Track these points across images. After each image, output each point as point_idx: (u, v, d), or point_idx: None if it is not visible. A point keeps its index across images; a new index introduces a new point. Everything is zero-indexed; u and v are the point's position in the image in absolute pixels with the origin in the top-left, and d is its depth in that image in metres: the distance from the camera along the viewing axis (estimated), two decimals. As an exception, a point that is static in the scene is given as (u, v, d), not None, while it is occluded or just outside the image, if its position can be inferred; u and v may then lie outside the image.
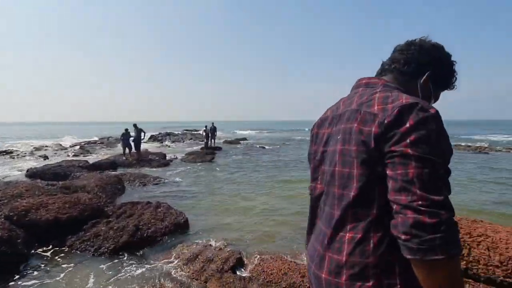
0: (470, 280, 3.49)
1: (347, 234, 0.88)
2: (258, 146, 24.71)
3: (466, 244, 3.70)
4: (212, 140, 20.95)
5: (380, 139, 0.82)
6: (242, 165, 14.06)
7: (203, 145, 20.61)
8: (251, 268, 3.96)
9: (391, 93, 0.90)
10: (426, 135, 0.76)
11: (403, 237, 0.74)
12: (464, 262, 3.65)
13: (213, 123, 21.32)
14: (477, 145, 23.56)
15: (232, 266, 3.98)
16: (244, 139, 31.81)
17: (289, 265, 3.85)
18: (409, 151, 0.76)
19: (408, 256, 0.74)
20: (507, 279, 3.33)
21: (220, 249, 4.50)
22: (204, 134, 20.30)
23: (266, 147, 23.99)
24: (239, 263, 4.13)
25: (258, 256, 4.37)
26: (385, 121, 0.82)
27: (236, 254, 4.24)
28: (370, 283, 0.82)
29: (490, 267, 3.47)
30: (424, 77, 1.00)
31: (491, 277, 3.45)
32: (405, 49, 1.03)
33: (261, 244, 4.98)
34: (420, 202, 0.72)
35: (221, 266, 3.94)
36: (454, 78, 1.05)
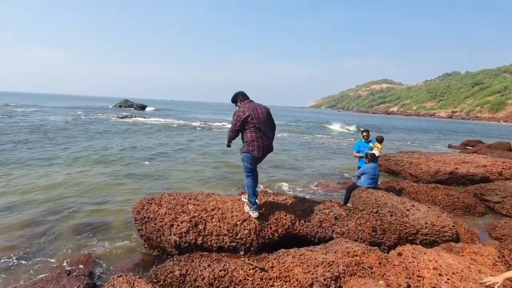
0: (205, 253, 3.71)
1: (272, 137, 4.17)
2: None
3: (202, 220, 3.92)
4: None
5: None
6: None
7: None
8: None
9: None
10: None
11: None
12: (201, 237, 3.85)
13: None
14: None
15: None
16: None
17: None
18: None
19: None
20: (232, 244, 3.83)
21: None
22: None
23: None
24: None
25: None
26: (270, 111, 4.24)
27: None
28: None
29: (220, 236, 3.86)
30: None
31: (221, 245, 3.85)
32: (243, 93, 4.20)
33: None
34: None
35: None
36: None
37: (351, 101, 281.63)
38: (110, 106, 51.74)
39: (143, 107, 49.54)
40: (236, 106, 4.17)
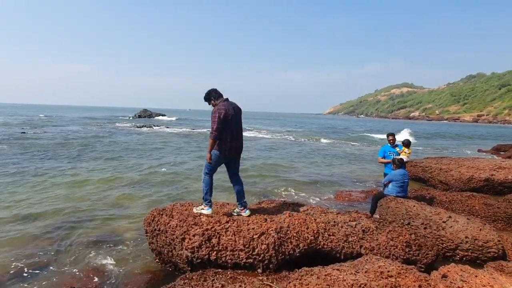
0: (219, 270, 3.37)
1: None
2: None
3: (216, 233, 3.59)
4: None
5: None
6: None
7: None
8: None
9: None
10: None
11: None
12: (215, 252, 3.51)
13: None
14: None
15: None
16: None
17: None
18: None
19: None
20: (249, 260, 3.47)
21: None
22: None
23: None
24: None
25: None
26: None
27: None
28: None
29: (236, 252, 3.50)
30: None
31: (237, 261, 3.50)
32: (216, 90, 3.99)
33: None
34: None
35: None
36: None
37: (369, 106, 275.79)
38: (130, 116, 52.92)
39: (161, 116, 50.50)
40: (210, 105, 3.98)
